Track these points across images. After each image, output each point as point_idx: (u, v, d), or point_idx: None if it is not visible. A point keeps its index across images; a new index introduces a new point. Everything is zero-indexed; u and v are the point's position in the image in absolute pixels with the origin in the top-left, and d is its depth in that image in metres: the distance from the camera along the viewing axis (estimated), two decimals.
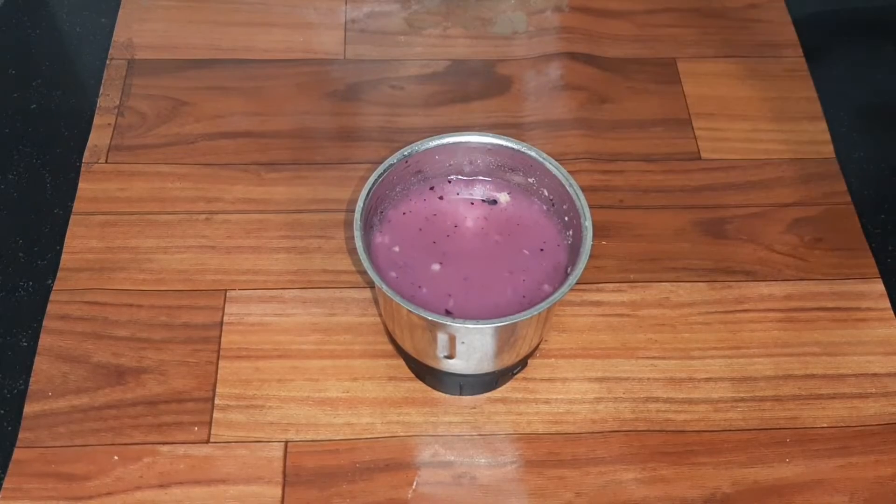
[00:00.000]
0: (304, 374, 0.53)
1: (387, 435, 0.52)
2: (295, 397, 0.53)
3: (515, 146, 0.51)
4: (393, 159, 0.50)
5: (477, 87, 0.67)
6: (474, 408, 0.53)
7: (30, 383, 0.53)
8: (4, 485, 0.49)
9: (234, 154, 0.63)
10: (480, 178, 0.53)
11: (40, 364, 0.53)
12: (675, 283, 0.58)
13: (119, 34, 0.69)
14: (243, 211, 0.60)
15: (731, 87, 0.68)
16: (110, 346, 0.54)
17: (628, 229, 0.60)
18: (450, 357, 0.48)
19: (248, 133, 0.64)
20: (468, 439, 0.52)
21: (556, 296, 0.46)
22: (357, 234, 0.47)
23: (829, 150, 0.65)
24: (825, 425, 0.53)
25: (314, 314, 0.56)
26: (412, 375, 0.54)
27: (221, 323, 0.55)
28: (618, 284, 0.58)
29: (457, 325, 0.45)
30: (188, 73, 0.67)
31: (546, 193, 0.52)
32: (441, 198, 0.53)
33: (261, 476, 0.50)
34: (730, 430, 0.52)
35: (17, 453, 0.50)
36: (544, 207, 0.52)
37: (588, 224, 0.48)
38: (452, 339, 0.47)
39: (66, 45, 0.70)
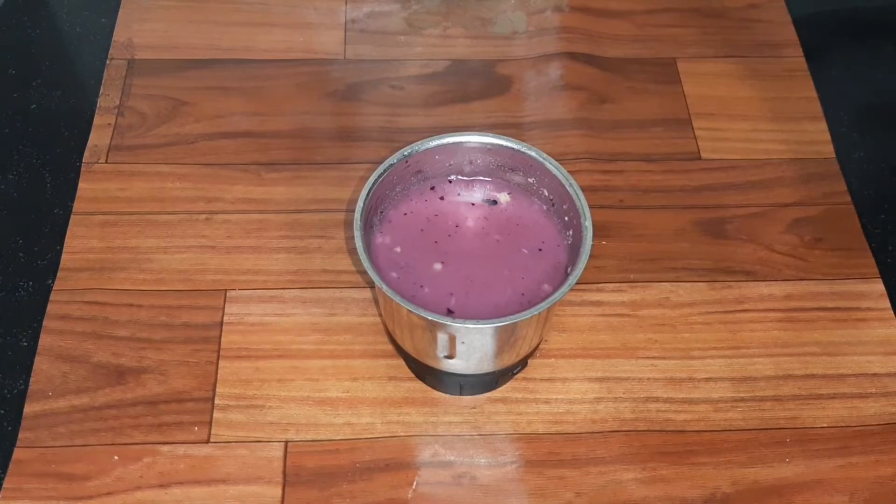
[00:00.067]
0: (304, 374, 0.53)
1: (387, 435, 0.52)
2: (295, 397, 0.53)
3: (515, 146, 0.51)
4: (393, 159, 0.50)
5: (477, 87, 0.67)
6: (474, 408, 0.53)
7: (30, 383, 0.53)
8: (4, 485, 0.49)
9: (234, 154, 0.63)
10: (480, 178, 0.53)
11: (40, 364, 0.53)
12: (675, 283, 0.58)
13: (119, 34, 0.69)
14: (243, 211, 0.60)
15: (731, 87, 0.68)
16: (110, 346, 0.54)
17: (628, 229, 0.60)
18: (450, 357, 0.48)
19: (248, 133, 0.64)
20: (468, 439, 0.52)
21: (557, 296, 0.46)
22: (357, 234, 0.47)
23: (829, 150, 0.65)
24: (825, 425, 0.53)
25: (314, 314, 0.56)
26: (412, 375, 0.54)
27: (221, 323, 0.55)
28: (618, 284, 0.58)
29: (457, 325, 0.45)
30: (188, 73, 0.67)
31: (546, 193, 0.52)
32: (442, 198, 0.53)
33: (261, 476, 0.50)
34: (730, 430, 0.52)
35: (17, 453, 0.50)
36: (544, 207, 0.52)
37: (588, 224, 0.48)
38: (452, 339, 0.47)
39: (66, 45, 0.70)
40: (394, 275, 0.49)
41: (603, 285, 0.58)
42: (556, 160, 0.51)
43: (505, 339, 0.48)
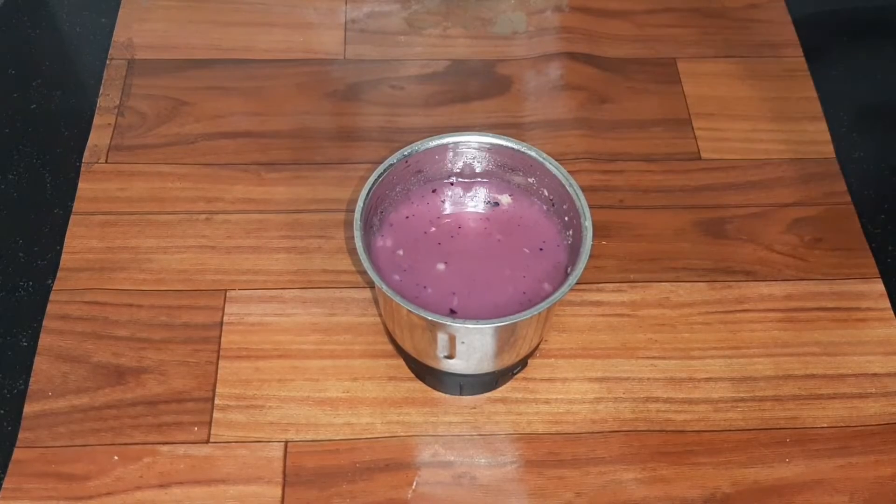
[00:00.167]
0: (304, 374, 0.53)
1: (387, 435, 0.52)
2: (295, 397, 0.53)
3: (515, 146, 0.51)
4: (393, 159, 0.50)
5: (477, 87, 0.67)
6: (474, 408, 0.53)
7: (30, 383, 0.53)
8: (4, 485, 0.49)
9: (234, 154, 0.63)
10: (480, 178, 0.53)
11: (40, 364, 0.53)
12: (675, 283, 0.58)
13: (119, 34, 0.69)
14: (243, 211, 0.60)
15: (731, 87, 0.68)
16: (110, 346, 0.54)
17: (628, 229, 0.60)
18: (450, 357, 0.48)
19: (248, 133, 0.64)
20: (468, 439, 0.52)
21: (557, 296, 0.46)
22: (357, 234, 0.47)
23: (829, 150, 0.65)
24: (825, 425, 0.53)
25: (314, 314, 0.56)
26: (412, 375, 0.54)
27: (221, 323, 0.55)
28: (618, 284, 0.58)
29: (457, 325, 0.45)
30: (188, 73, 0.67)
31: (546, 193, 0.52)
32: (444, 200, 0.53)
33: (261, 476, 0.50)
34: (730, 430, 0.52)
35: (17, 453, 0.50)
36: (544, 207, 0.52)
37: (588, 224, 0.48)
38: (452, 339, 0.47)
39: (66, 45, 0.70)
40: (396, 277, 0.49)
41: (603, 285, 0.58)
42: (556, 160, 0.51)
43: (505, 339, 0.48)
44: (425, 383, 0.53)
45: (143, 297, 0.56)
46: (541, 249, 0.51)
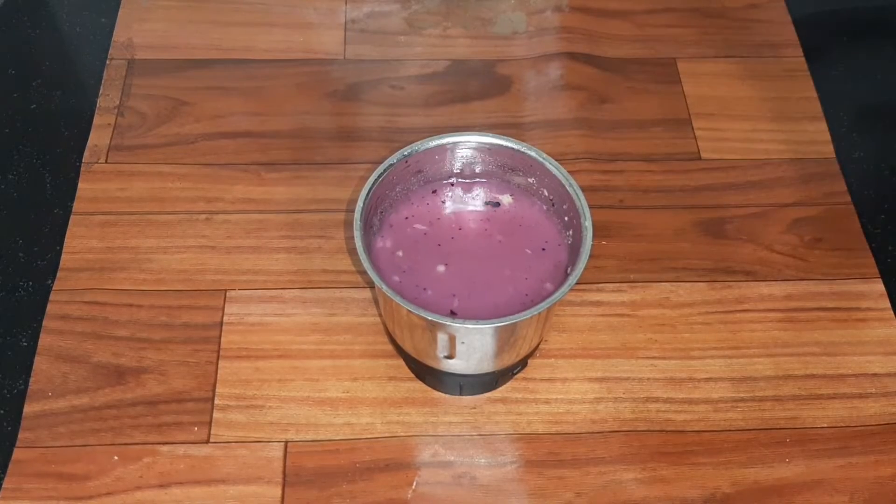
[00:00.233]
0: (304, 374, 0.53)
1: (387, 435, 0.52)
2: (295, 397, 0.53)
3: (515, 146, 0.51)
4: (393, 159, 0.50)
5: (477, 87, 0.67)
6: (474, 408, 0.53)
7: (30, 383, 0.53)
8: (4, 485, 0.49)
9: (234, 154, 0.63)
10: (481, 178, 0.53)
11: (40, 364, 0.53)
12: (675, 283, 0.58)
13: (119, 34, 0.69)
14: (243, 211, 0.60)
15: (731, 87, 0.68)
16: (110, 346, 0.54)
17: (628, 229, 0.60)
18: (450, 357, 0.48)
19: (248, 133, 0.64)
20: (468, 439, 0.52)
21: (556, 296, 0.46)
22: (357, 234, 0.47)
23: (829, 150, 0.65)
24: (825, 425, 0.53)
25: (314, 314, 0.56)
26: (412, 375, 0.54)
27: (221, 323, 0.55)
28: (618, 284, 0.58)
29: (457, 325, 0.45)
30: (188, 73, 0.67)
31: (546, 193, 0.52)
32: (444, 202, 0.53)
33: (261, 476, 0.50)
34: (730, 430, 0.52)
35: (17, 453, 0.50)
36: (544, 207, 0.52)
37: (588, 224, 0.48)
38: (452, 339, 0.47)
39: (66, 45, 0.70)
40: (396, 278, 0.49)
41: (603, 285, 0.58)
42: (556, 160, 0.51)
43: (505, 339, 0.48)
44: (425, 383, 0.53)
45: (143, 297, 0.56)
46: (543, 249, 0.51)
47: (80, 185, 0.61)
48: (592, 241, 0.48)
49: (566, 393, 0.53)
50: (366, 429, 0.52)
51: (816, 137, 0.65)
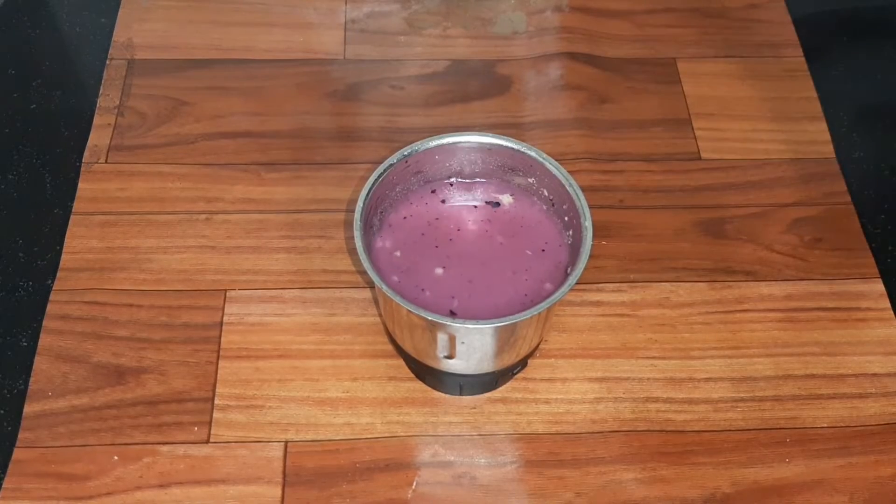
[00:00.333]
0: (304, 374, 0.53)
1: (387, 435, 0.52)
2: (295, 397, 0.53)
3: (515, 146, 0.51)
4: (393, 159, 0.50)
5: (477, 87, 0.67)
6: (474, 408, 0.53)
7: (30, 383, 0.53)
8: (4, 485, 0.49)
9: (234, 154, 0.63)
10: (480, 178, 0.53)
11: (40, 364, 0.53)
12: (675, 283, 0.58)
13: (119, 34, 0.69)
14: (243, 211, 0.60)
15: (731, 87, 0.68)
16: (110, 346, 0.54)
17: (628, 229, 0.60)
18: (450, 357, 0.48)
19: (248, 133, 0.64)
20: (468, 439, 0.52)
21: (556, 296, 0.46)
22: (357, 234, 0.47)
23: (829, 150, 0.65)
24: (825, 425, 0.53)
25: (314, 314, 0.56)
26: (412, 375, 0.54)
27: (221, 323, 0.55)
28: (618, 284, 0.58)
29: (456, 325, 0.45)
30: (188, 73, 0.67)
31: (546, 193, 0.52)
32: (443, 201, 0.53)
33: (261, 476, 0.50)
34: (730, 430, 0.52)
35: (17, 453, 0.50)
36: (544, 207, 0.52)
37: (588, 224, 0.48)
38: (452, 340, 0.47)
39: (66, 45, 0.70)
40: (395, 278, 0.49)
41: (603, 285, 0.58)
42: (556, 160, 0.51)
43: (505, 339, 0.48)
44: (425, 383, 0.53)
45: (143, 297, 0.56)
46: (543, 250, 0.51)
47: (80, 185, 0.61)
48: (592, 241, 0.48)
49: (566, 393, 0.53)
50: (366, 429, 0.52)
51: (816, 137, 0.65)
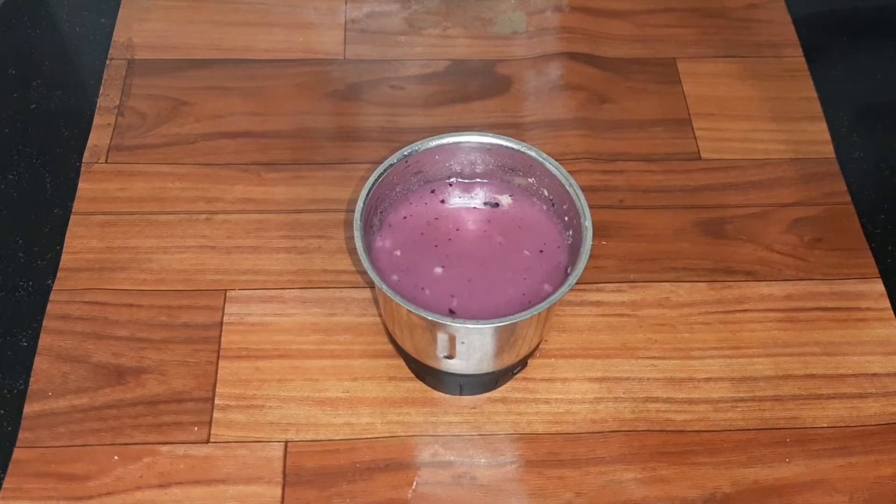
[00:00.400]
0: (304, 374, 0.53)
1: (387, 435, 0.52)
2: (295, 397, 0.53)
3: (515, 146, 0.51)
4: (393, 159, 0.50)
5: (477, 87, 0.67)
6: (474, 408, 0.53)
7: (30, 383, 0.53)
8: (4, 485, 0.49)
9: (234, 154, 0.63)
10: (480, 178, 0.53)
11: (40, 364, 0.53)
12: (675, 283, 0.58)
13: (119, 34, 0.69)
14: (243, 211, 0.60)
15: (731, 87, 0.68)
16: (110, 346, 0.54)
17: (628, 229, 0.60)
18: (450, 357, 0.48)
19: (248, 133, 0.64)
20: (468, 439, 0.52)
21: (556, 296, 0.46)
22: (357, 234, 0.47)
23: (829, 150, 0.65)
24: (825, 425, 0.53)
25: (314, 314, 0.56)
26: (412, 375, 0.54)
27: (221, 323, 0.55)
28: (618, 284, 0.58)
29: (457, 325, 0.45)
30: (188, 73, 0.67)
31: (546, 193, 0.52)
32: (442, 201, 0.53)
33: (261, 476, 0.50)
34: (730, 430, 0.52)
35: (17, 453, 0.50)
36: (544, 208, 0.52)
37: (588, 224, 0.48)
38: (452, 339, 0.47)
39: (66, 45, 0.70)
40: (395, 277, 0.49)
41: (603, 285, 0.58)
42: (556, 160, 0.51)
43: (505, 339, 0.48)
44: (425, 383, 0.53)
45: (143, 297, 0.56)
46: (541, 251, 0.51)
47: (80, 185, 0.61)
48: (592, 241, 0.48)
49: (566, 393, 0.53)
50: (366, 429, 0.52)
51: (816, 137, 0.65)
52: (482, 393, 0.53)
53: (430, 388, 0.53)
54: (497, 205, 0.53)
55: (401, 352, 0.53)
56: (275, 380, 0.53)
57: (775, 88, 0.68)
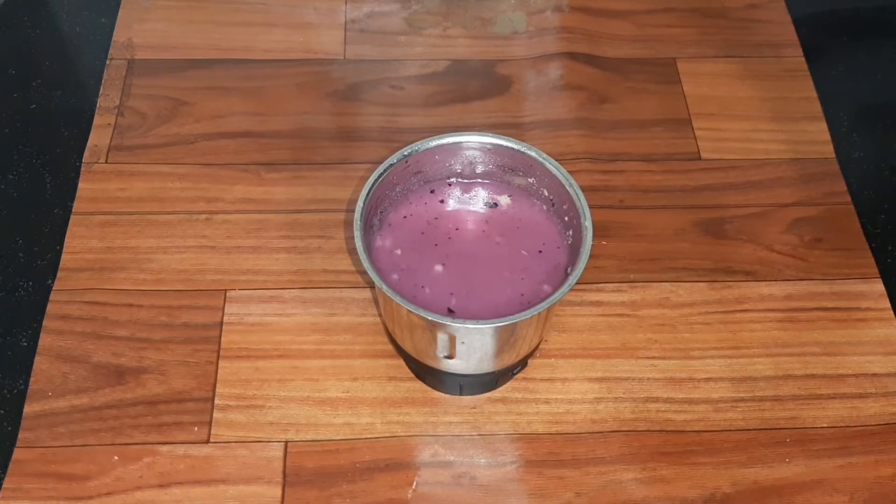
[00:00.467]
0: (304, 374, 0.53)
1: (387, 435, 0.52)
2: (295, 397, 0.53)
3: (515, 146, 0.51)
4: (393, 159, 0.50)
5: (477, 87, 0.67)
6: (474, 408, 0.53)
7: (30, 383, 0.53)
8: (4, 485, 0.49)
9: (234, 154, 0.63)
10: (480, 178, 0.53)
11: (40, 364, 0.53)
12: (675, 283, 0.58)
13: (119, 34, 0.69)
14: (243, 211, 0.60)
15: (731, 87, 0.68)
16: (110, 346, 0.54)
17: (628, 229, 0.60)
18: (450, 357, 0.48)
19: (248, 133, 0.64)
20: (468, 439, 0.52)
21: (556, 296, 0.46)
22: (357, 234, 0.47)
23: (829, 150, 0.65)
24: (825, 425, 0.53)
25: (314, 314, 0.56)
26: (412, 375, 0.54)
27: (221, 323, 0.55)
28: (618, 284, 0.58)
29: (457, 325, 0.45)
30: (188, 73, 0.67)
31: (546, 194, 0.52)
32: (442, 201, 0.53)
33: (261, 476, 0.50)
34: (730, 430, 0.52)
35: (17, 453, 0.50)
36: (544, 208, 0.52)
37: (588, 224, 0.48)
38: (452, 339, 0.47)
39: (66, 45, 0.70)
40: (395, 277, 0.49)
41: (603, 285, 0.58)
42: (556, 160, 0.51)
43: (505, 339, 0.48)
44: (425, 383, 0.53)
45: (143, 297, 0.56)
46: (540, 251, 0.51)
47: (80, 185, 0.61)
48: (592, 241, 0.48)
49: (566, 393, 0.53)
50: (366, 429, 0.52)
51: (816, 137, 0.65)
52: (482, 393, 0.53)
53: (430, 388, 0.53)
54: (496, 205, 0.53)
55: (401, 352, 0.53)
56: (275, 380, 0.53)
57: (775, 88, 0.68)
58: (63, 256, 0.57)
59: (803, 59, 0.70)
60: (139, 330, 0.55)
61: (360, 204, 0.48)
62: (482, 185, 0.53)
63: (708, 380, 0.54)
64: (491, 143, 0.52)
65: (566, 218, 0.51)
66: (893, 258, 0.60)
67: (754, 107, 0.67)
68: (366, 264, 0.46)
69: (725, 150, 0.64)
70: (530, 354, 0.53)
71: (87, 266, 0.57)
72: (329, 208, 0.60)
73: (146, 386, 0.53)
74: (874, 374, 0.55)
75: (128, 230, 0.59)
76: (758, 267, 0.59)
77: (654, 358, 0.55)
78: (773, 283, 0.58)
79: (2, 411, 0.52)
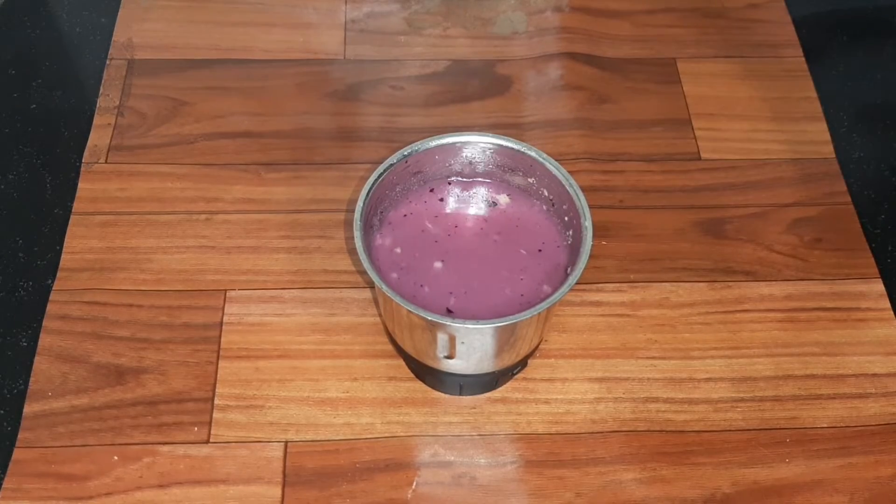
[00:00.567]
0: (304, 374, 0.53)
1: (387, 435, 0.52)
2: (295, 397, 0.53)
3: (515, 146, 0.51)
4: (393, 159, 0.50)
5: (477, 87, 0.67)
6: (474, 408, 0.53)
7: (30, 383, 0.53)
8: (4, 485, 0.49)
9: (234, 154, 0.63)
10: (480, 178, 0.53)
11: (40, 364, 0.53)
12: (675, 283, 0.58)
13: (119, 34, 0.69)
14: (243, 211, 0.60)
15: (731, 87, 0.68)
16: (110, 346, 0.54)
17: (628, 229, 0.60)
18: (450, 357, 0.48)
19: (248, 133, 0.64)
20: (468, 439, 0.52)
21: (556, 296, 0.46)
22: (357, 234, 0.47)
23: (829, 150, 0.65)
24: (825, 425, 0.53)
25: (314, 314, 0.56)
26: (412, 375, 0.54)
27: (221, 323, 0.55)
28: (618, 284, 0.58)
29: (456, 325, 0.45)
30: (188, 73, 0.67)
31: (546, 193, 0.52)
32: (441, 200, 0.53)
33: (261, 476, 0.50)
34: (730, 430, 0.52)
35: (17, 453, 0.50)
36: (544, 208, 0.52)
37: (588, 224, 0.48)
38: (452, 340, 0.47)
39: (66, 45, 0.70)
40: (394, 275, 0.49)
41: (603, 285, 0.58)
42: (556, 160, 0.51)
43: (505, 339, 0.48)
44: (425, 383, 0.53)
45: (143, 297, 0.56)
46: (540, 251, 0.51)
47: (80, 185, 0.61)
48: (592, 241, 0.48)
49: (566, 393, 0.53)
50: (366, 429, 0.52)
51: (816, 137, 0.65)
52: (482, 393, 0.53)
53: (430, 388, 0.53)
54: (496, 204, 0.53)
55: (401, 352, 0.53)
56: (275, 380, 0.53)
57: (775, 88, 0.68)
58: (63, 256, 0.58)
59: (803, 59, 0.70)
60: (139, 330, 0.55)
61: (360, 204, 0.48)
62: (482, 184, 0.53)
63: (708, 380, 0.54)
64: (491, 143, 0.52)
65: (566, 218, 0.51)
66: (893, 258, 0.60)
67: (754, 107, 0.67)
68: (366, 264, 0.46)
69: (725, 150, 0.64)
70: (530, 354, 0.53)
71: (87, 266, 0.57)
72: (329, 208, 0.60)
73: (146, 386, 0.53)
74: (874, 374, 0.55)
75: (128, 230, 0.59)
76: (758, 267, 0.59)
77: (654, 358, 0.55)
78: (773, 283, 0.58)
79: (2, 411, 0.52)
